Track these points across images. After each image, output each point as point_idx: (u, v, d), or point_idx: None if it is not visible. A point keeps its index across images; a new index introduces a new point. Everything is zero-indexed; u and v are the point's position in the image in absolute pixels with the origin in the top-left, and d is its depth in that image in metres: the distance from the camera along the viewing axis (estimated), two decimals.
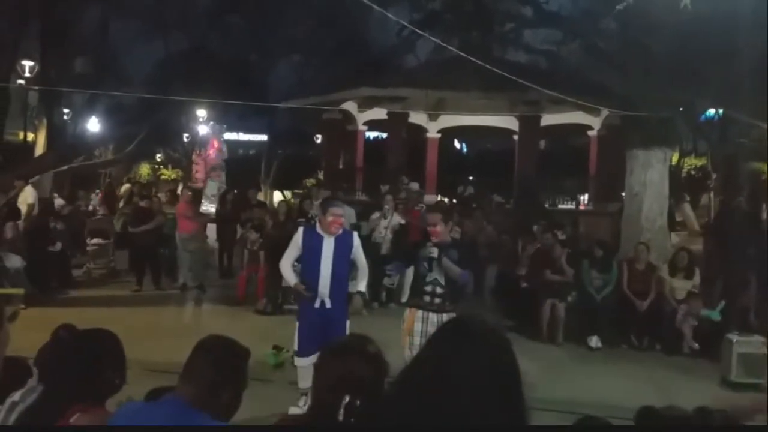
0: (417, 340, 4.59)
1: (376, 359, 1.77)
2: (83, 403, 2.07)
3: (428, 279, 4.72)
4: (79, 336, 2.35)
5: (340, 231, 4.79)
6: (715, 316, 7.20)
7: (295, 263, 5.05)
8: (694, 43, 8.22)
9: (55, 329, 2.49)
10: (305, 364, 4.63)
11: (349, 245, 4.82)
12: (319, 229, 4.81)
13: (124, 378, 2.26)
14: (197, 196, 10.18)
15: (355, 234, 5.10)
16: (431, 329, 4.56)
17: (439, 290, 4.69)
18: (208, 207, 9.71)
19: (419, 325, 4.70)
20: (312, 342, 4.62)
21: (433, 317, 4.66)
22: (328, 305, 4.74)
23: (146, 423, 1.82)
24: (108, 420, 1.99)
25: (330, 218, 4.71)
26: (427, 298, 4.73)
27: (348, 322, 4.85)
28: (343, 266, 4.83)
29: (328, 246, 4.72)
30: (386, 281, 9.08)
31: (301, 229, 5.00)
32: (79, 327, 2.48)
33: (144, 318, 7.94)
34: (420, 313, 4.73)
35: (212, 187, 9.86)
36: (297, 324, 4.87)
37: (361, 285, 4.96)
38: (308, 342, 4.66)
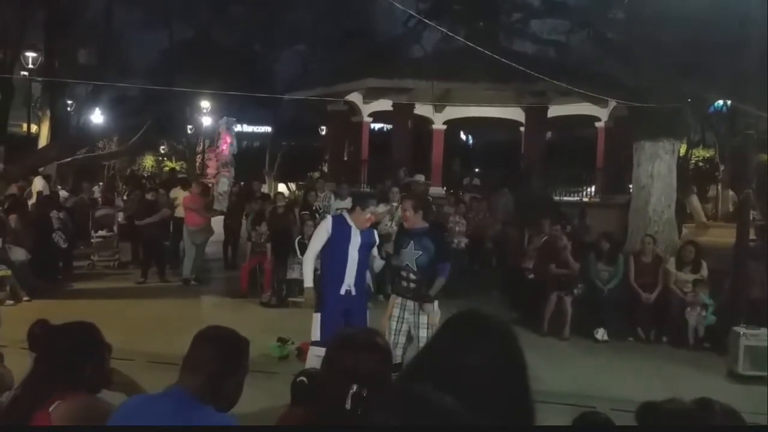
0: (394, 325, 4.83)
1: (383, 351, 1.78)
2: (61, 391, 2.07)
3: (402, 266, 4.92)
4: (52, 331, 2.33)
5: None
6: (710, 319, 7.18)
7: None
8: (703, 33, 8.12)
9: (30, 326, 2.46)
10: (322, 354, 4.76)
11: (374, 240, 5.00)
12: (349, 221, 4.94)
13: (105, 368, 2.26)
14: (206, 190, 10.15)
15: (374, 230, 5.21)
16: (407, 315, 4.84)
17: (412, 276, 4.84)
18: (222, 205, 9.69)
19: (396, 311, 4.88)
20: (332, 331, 4.68)
21: (410, 304, 4.85)
22: (354, 292, 4.86)
23: (149, 415, 1.81)
24: (99, 408, 2.03)
25: (368, 215, 4.90)
26: (403, 284, 4.92)
27: (368, 310, 5.00)
28: (367, 258, 4.98)
29: (356, 236, 4.87)
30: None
31: (329, 217, 5.21)
32: (82, 319, 2.42)
33: (148, 310, 7.94)
34: (399, 299, 4.93)
35: (224, 184, 9.84)
36: (318, 314, 4.87)
37: (379, 263, 5.18)
38: (332, 330, 4.70)
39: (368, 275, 8.57)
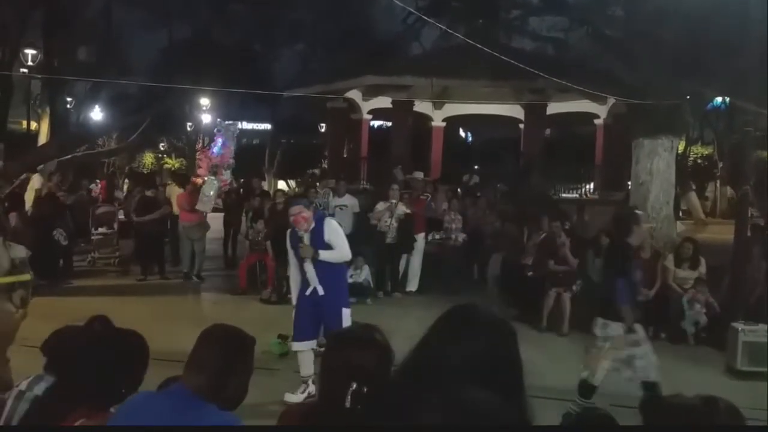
0: None
1: (382, 347, 1.78)
2: (89, 407, 1.98)
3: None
4: (112, 333, 2.18)
5: (311, 225, 4.93)
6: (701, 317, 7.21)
7: None
8: (701, 30, 8.13)
9: (90, 319, 2.25)
10: (301, 348, 4.98)
11: (321, 234, 4.94)
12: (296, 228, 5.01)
13: (137, 388, 2.12)
14: (196, 189, 10.13)
15: (329, 220, 5.19)
16: None
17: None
18: (204, 207, 9.58)
19: None
20: (306, 327, 4.95)
21: None
22: (321, 292, 4.92)
23: (153, 413, 1.81)
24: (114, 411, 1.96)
25: (291, 218, 4.94)
26: None
27: (346, 310, 4.96)
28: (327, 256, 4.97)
29: (304, 241, 4.94)
30: (349, 277, 8.80)
31: (288, 232, 5.18)
32: (86, 317, 2.35)
33: (149, 307, 7.95)
34: None
35: (210, 187, 9.71)
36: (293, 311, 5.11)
37: (325, 254, 4.93)
38: (302, 327, 4.96)
39: (366, 270, 8.67)
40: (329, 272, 4.96)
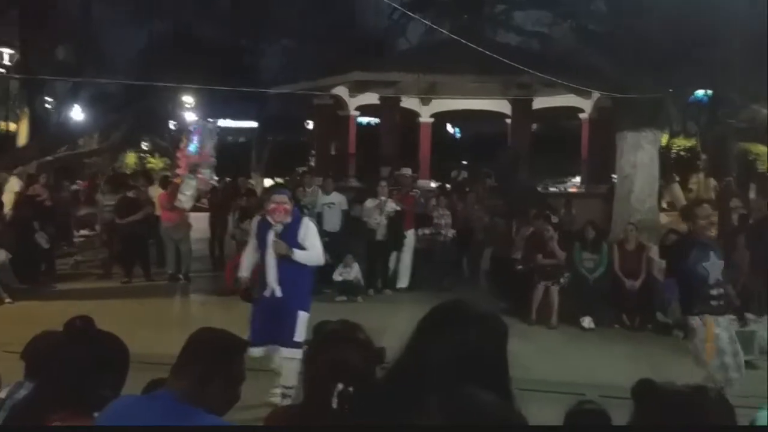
0: (723, 346, 4.51)
1: (366, 346, 1.75)
2: (71, 412, 1.92)
3: (710, 282, 4.51)
4: (91, 335, 2.07)
5: (288, 218, 4.63)
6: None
7: None
8: (684, 24, 8.18)
9: (71, 319, 2.10)
10: (257, 354, 4.47)
11: (295, 232, 4.63)
12: (268, 218, 4.68)
13: (119, 392, 2.04)
14: (176, 189, 10.02)
15: (306, 219, 4.91)
16: (728, 333, 4.51)
17: (722, 291, 4.58)
18: (182, 206, 9.49)
19: (718, 331, 4.56)
20: (262, 331, 4.53)
21: (722, 320, 4.53)
22: (278, 294, 4.61)
23: (137, 417, 1.77)
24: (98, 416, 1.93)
25: (272, 205, 4.62)
26: (714, 302, 4.57)
27: (304, 313, 4.63)
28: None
29: (273, 234, 4.60)
30: (339, 275, 8.66)
31: (255, 219, 4.90)
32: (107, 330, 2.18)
33: (133, 309, 7.86)
34: (712, 318, 4.57)
35: (189, 187, 9.59)
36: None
37: (299, 254, 4.63)
38: (258, 331, 4.54)
39: (356, 267, 8.64)
40: (292, 274, 4.62)
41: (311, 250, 4.70)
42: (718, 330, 4.44)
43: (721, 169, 17.02)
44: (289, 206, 4.67)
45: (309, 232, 4.72)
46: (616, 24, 9.34)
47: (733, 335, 4.50)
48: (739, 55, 8.08)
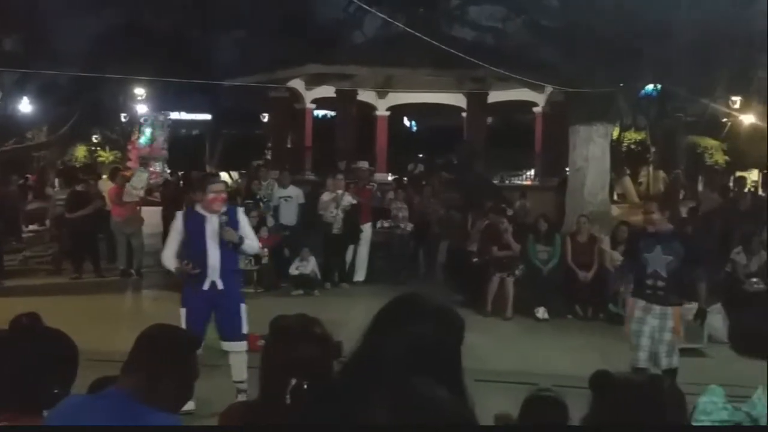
0: (636, 327, 4.72)
1: (322, 340, 1.74)
2: (19, 411, 1.84)
3: (648, 271, 4.73)
4: (37, 332, 1.99)
5: (224, 208, 4.58)
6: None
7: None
8: (634, 19, 8.40)
9: (17, 316, 2.01)
10: (200, 352, 4.36)
11: (235, 222, 4.59)
12: (200, 209, 4.59)
13: (68, 391, 1.96)
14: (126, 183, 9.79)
15: (240, 209, 4.91)
16: (651, 319, 4.64)
17: (660, 283, 4.67)
18: (132, 199, 9.28)
19: (639, 314, 4.77)
20: (201, 327, 4.40)
21: (655, 308, 4.68)
22: (220, 286, 4.50)
23: (87, 417, 1.74)
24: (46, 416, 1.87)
25: (210, 195, 4.50)
26: (649, 290, 4.76)
27: (244, 306, 4.60)
28: (234, 245, 4.62)
29: (212, 224, 4.49)
30: (295, 269, 8.67)
31: (179, 213, 4.80)
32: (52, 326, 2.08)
33: (83, 306, 7.64)
34: (642, 303, 4.77)
35: (139, 180, 9.38)
36: (183, 309, 4.51)
37: (246, 243, 4.62)
38: (197, 327, 4.30)
39: (313, 261, 8.60)
40: (232, 264, 4.60)
41: (250, 239, 4.69)
42: (639, 313, 4.70)
43: (671, 162, 17.61)
44: (225, 195, 4.68)
45: (246, 221, 4.75)
46: (569, 20, 9.52)
47: (666, 326, 4.62)
48: (688, 51, 8.35)
